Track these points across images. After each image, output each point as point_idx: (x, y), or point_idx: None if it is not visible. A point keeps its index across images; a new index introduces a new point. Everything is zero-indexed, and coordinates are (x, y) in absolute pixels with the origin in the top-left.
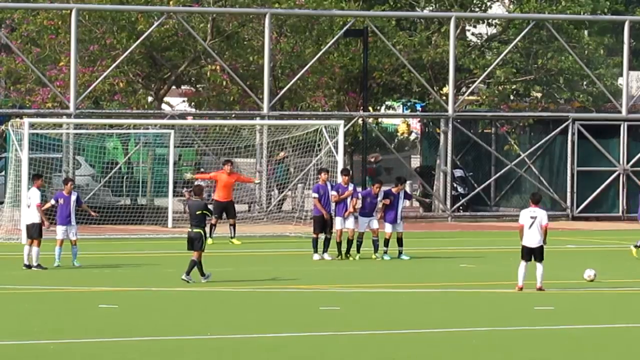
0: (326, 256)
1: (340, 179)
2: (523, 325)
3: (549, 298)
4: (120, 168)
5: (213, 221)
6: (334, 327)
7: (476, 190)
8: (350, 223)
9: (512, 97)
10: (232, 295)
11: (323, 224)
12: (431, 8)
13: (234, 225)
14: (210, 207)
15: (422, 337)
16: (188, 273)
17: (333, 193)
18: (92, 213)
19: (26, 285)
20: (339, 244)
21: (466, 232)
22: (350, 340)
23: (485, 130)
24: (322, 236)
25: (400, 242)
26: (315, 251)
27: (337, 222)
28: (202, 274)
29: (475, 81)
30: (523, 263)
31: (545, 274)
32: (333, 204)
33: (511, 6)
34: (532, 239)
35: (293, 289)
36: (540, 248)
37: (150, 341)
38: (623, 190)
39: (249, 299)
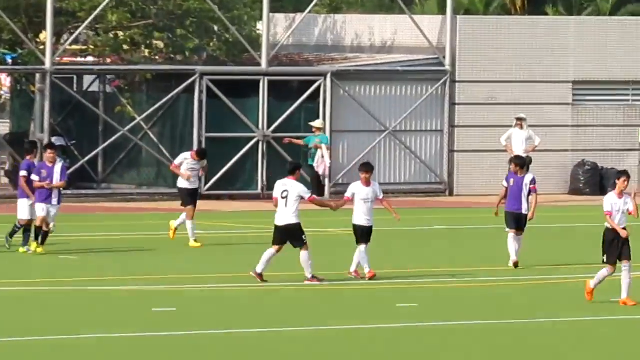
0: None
1: None
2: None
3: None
4: None
5: None
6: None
7: (80, 163)
8: None
9: (126, 47)
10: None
11: None
12: None
13: None
14: None
15: None
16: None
17: None
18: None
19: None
20: None
21: (69, 216)
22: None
23: (91, 89)
24: None
25: None
26: None
27: None
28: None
29: (80, 26)
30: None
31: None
32: None
33: None
34: None
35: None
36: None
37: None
38: (263, 162)
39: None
